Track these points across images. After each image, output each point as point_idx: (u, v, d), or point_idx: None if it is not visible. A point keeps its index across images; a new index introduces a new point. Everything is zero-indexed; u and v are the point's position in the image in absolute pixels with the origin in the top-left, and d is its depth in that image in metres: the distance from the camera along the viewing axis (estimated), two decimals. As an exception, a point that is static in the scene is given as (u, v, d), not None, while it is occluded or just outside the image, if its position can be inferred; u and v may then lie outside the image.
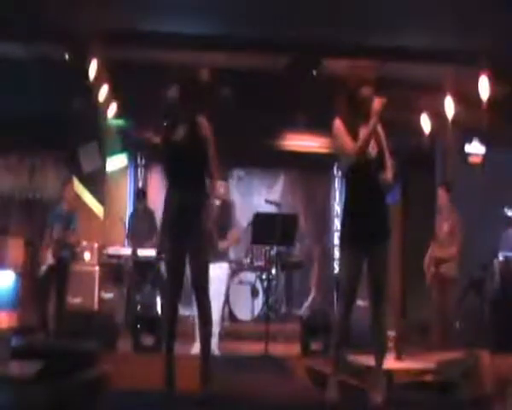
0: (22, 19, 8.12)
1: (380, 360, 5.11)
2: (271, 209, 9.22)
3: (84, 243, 9.80)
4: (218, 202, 7.85)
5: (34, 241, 9.60)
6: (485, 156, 10.37)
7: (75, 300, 9.61)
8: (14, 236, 10.13)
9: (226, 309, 10.29)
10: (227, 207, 8.25)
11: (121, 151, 11.24)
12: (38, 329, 8.53)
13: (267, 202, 9.59)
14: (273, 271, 10.53)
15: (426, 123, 10.03)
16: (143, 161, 12.13)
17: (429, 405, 5.29)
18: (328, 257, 12.39)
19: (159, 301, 9.47)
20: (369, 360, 5.28)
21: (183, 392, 5.21)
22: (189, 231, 5.26)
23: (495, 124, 9.33)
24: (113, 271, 10.12)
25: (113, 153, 11.14)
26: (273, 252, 9.99)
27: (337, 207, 12.52)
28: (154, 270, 9.65)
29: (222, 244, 7.74)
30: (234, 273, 10.57)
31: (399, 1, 7.68)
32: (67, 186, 9.24)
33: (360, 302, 6.55)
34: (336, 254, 11.98)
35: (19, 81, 9.25)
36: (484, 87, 8.84)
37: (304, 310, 11.28)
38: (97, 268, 10.09)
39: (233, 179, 12.38)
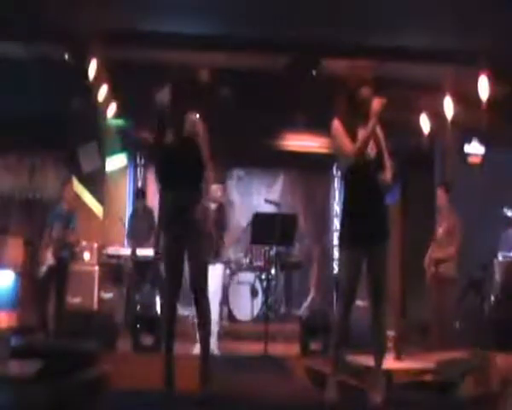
0: (22, 19, 8.12)
1: (379, 360, 5.11)
2: (271, 209, 9.23)
3: (84, 243, 9.80)
4: (214, 205, 7.89)
5: (34, 241, 9.59)
6: (484, 156, 10.37)
7: (75, 300, 9.61)
8: (14, 235, 10.12)
9: (225, 309, 10.30)
10: (223, 209, 8.30)
11: (121, 151, 11.24)
12: (38, 329, 8.52)
13: (267, 201, 9.60)
14: (272, 271, 10.55)
15: (425, 123, 10.03)
16: (143, 161, 12.13)
17: (429, 405, 5.29)
18: (328, 257, 12.39)
19: (158, 301, 9.46)
20: (369, 360, 5.28)
21: (182, 392, 5.22)
22: (186, 232, 5.27)
23: (494, 124, 9.34)
24: (113, 271, 10.12)
25: (112, 153, 11.15)
26: (272, 252, 10.00)
27: (336, 208, 12.52)
28: (154, 270, 9.65)
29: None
30: (233, 273, 10.58)
31: (399, 1, 7.68)
32: (67, 186, 9.24)
33: (360, 302, 6.56)
34: (336, 254, 11.98)
35: (18, 81, 9.25)
36: (483, 87, 8.84)
37: (303, 310, 11.28)
38: (97, 268, 10.09)
39: (233, 179, 12.39)
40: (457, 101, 9.45)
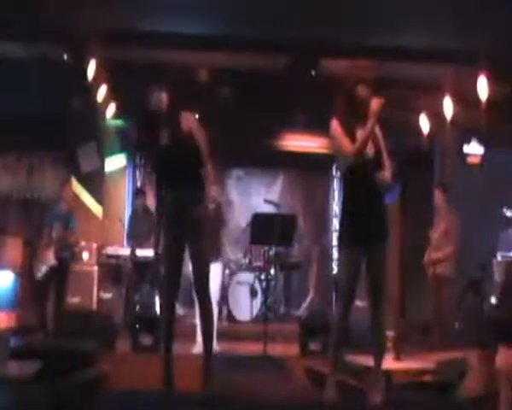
0: (21, 19, 8.12)
1: (379, 360, 5.11)
2: (270, 209, 9.23)
3: (83, 243, 9.79)
4: (212, 205, 7.89)
5: (33, 241, 9.58)
6: (483, 157, 10.36)
7: (74, 300, 9.60)
8: (13, 235, 10.11)
9: (225, 309, 10.31)
10: (221, 209, 8.34)
11: (120, 151, 11.23)
12: (37, 329, 8.52)
13: (266, 202, 9.60)
14: (272, 271, 10.54)
15: (424, 123, 10.03)
16: (142, 161, 12.12)
17: (428, 405, 5.30)
18: (327, 257, 12.39)
19: (157, 301, 9.46)
20: (368, 361, 5.29)
21: (181, 392, 5.21)
22: (186, 232, 5.27)
23: (494, 124, 9.33)
24: (112, 271, 10.11)
25: (111, 153, 11.14)
26: (272, 252, 9.99)
27: (336, 208, 12.51)
28: (153, 270, 9.64)
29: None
30: (232, 274, 10.58)
31: (399, 1, 7.67)
32: (66, 186, 9.24)
33: (359, 303, 6.56)
34: (335, 254, 11.98)
35: (17, 81, 9.24)
36: (483, 87, 8.84)
37: (302, 310, 11.28)
38: (96, 268, 10.08)
39: (232, 179, 12.39)
40: (457, 101, 9.45)
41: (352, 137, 4.99)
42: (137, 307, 9.13)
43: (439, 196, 8.78)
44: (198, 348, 7.63)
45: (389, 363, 6.11)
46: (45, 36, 8.59)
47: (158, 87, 5.43)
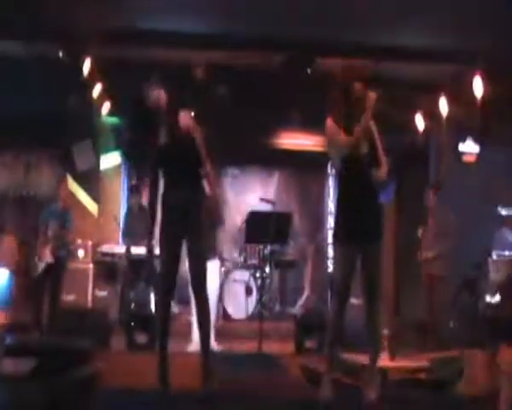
0: (19, 17, 8.11)
1: (374, 357, 5.12)
2: (265, 207, 9.23)
3: (79, 241, 9.79)
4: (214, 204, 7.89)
5: (28, 239, 9.57)
6: (479, 155, 10.38)
7: (69, 297, 9.59)
8: (9, 233, 10.10)
9: (220, 307, 10.30)
10: (217, 207, 8.32)
11: (115, 149, 11.22)
12: (32, 327, 8.51)
13: (262, 200, 9.60)
14: (267, 269, 10.53)
15: (420, 121, 10.05)
16: (132, 161, 12.08)
17: (423, 403, 5.31)
18: (322, 255, 12.38)
19: (153, 299, 9.45)
20: (364, 358, 5.29)
21: (176, 390, 5.21)
22: (186, 232, 5.27)
23: (489, 123, 9.36)
24: (107, 269, 10.10)
25: (107, 151, 11.12)
26: (267, 250, 9.99)
27: (331, 206, 12.51)
28: (148, 268, 9.63)
29: None
30: (228, 272, 10.57)
31: (398, 0, 7.69)
32: (62, 184, 9.24)
33: (354, 300, 6.56)
34: (330, 252, 11.98)
35: (14, 79, 9.23)
36: (478, 86, 8.86)
37: (298, 308, 11.27)
38: (91, 266, 10.08)
39: (227, 177, 12.38)
40: (452, 99, 9.47)
41: (349, 135, 4.99)
42: (132, 305, 9.13)
43: (430, 196, 8.84)
44: (193, 346, 7.64)
45: (384, 361, 6.13)
46: (42, 34, 8.58)
47: (156, 84, 5.41)
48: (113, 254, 10.01)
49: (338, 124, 5.01)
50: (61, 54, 8.82)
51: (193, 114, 5.43)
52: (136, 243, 9.64)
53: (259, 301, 9.33)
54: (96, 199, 11.02)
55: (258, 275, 10.46)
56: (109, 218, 10.70)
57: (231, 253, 11.19)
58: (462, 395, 5.45)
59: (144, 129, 5.48)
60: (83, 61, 8.87)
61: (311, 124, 9.71)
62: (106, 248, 10.10)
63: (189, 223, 5.27)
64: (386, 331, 6.84)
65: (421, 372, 5.84)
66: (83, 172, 10.92)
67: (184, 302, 9.38)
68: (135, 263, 9.70)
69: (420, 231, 8.76)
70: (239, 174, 12.53)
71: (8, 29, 8.41)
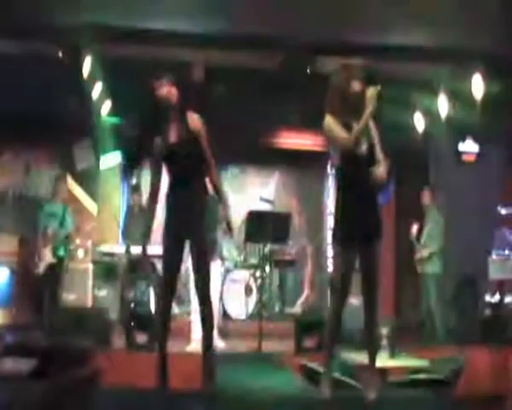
0: (17, 16, 8.11)
1: (373, 357, 5.12)
2: (265, 207, 9.23)
3: (78, 241, 9.79)
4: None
5: (29, 238, 9.58)
6: (478, 155, 10.38)
7: (69, 297, 9.60)
8: (9, 233, 10.11)
9: (220, 307, 10.31)
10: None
11: (115, 149, 11.21)
12: (32, 326, 8.52)
13: (262, 200, 9.60)
14: (267, 269, 10.53)
15: (419, 121, 10.06)
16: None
17: (422, 402, 5.31)
18: (322, 255, 12.39)
19: (152, 298, 9.45)
20: (363, 358, 5.29)
21: (175, 390, 5.22)
22: (189, 231, 5.26)
23: (489, 122, 9.36)
24: (107, 268, 10.10)
25: (106, 150, 11.12)
26: (267, 250, 9.99)
27: (331, 205, 12.51)
28: (148, 268, 9.63)
29: None
30: (227, 271, 10.57)
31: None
32: (61, 183, 9.25)
33: (353, 300, 6.57)
34: (329, 251, 11.98)
35: (13, 79, 9.22)
36: (478, 86, 8.87)
37: (297, 308, 11.29)
38: (91, 266, 10.08)
39: (227, 177, 12.37)
40: (452, 99, 9.48)
41: (347, 132, 4.99)
42: (132, 305, 9.13)
43: (426, 196, 8.94)
44: (193, 346, 7.64)
45: (383, 360, 6.13)
46: (40, 33, 8.58)
47: (167, 80, 5.37)
48: (112, 254, 10.00)
49: (337, 121, 5.00)
50: (60, 53, 8.83)
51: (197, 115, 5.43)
52: (136, 243, 9.64)
53: (259, 300, 9.33)
54: (95, 199, 11.02)
55: (257, 275, 10.46)
56: (109, 218, 10.70)
57: (231, 252, 11.19)
58: (462, 394, 5.45)
59: (152, 125, 5.42)
60: (82, 61, 8.88)
61: (311, 123, 9.71)
62: (106, 247, 10.10)
63: (193, 223, 5.26)
64: (385, 331, 6.84)
65: (420, 372, 5.84)
66: (82, 172, 10.93)
67: (183, 302, 9.42)
68: (135, 263, 9.70)
69: (413, 230, 8.84)
70: (238, 174, 12.53)
71: (4, 27, 8.41)
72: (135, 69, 9.05)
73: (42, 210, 9.12)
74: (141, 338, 7.65)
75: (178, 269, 5.40)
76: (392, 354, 6.68)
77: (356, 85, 5.01)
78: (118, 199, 11.71)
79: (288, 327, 8.53)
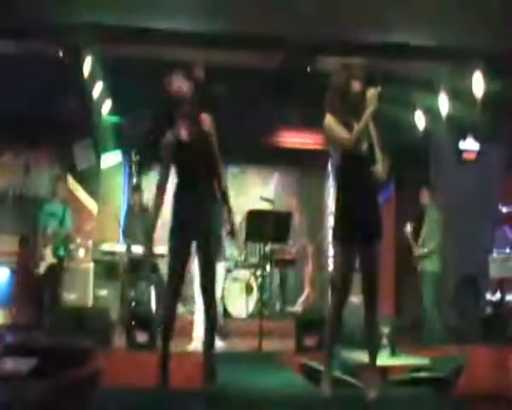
0: (17, 16, 8.11)
1: (373, 356, 5.12)
2: (265, 206, 9.22)
3: (79, 240, 9.79)
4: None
5: (29, 238, 9.59)
6: (479, 153, 10.38)
7: (69, 297, 9.60)
8: (9, 233, 10.11)
9: (220, 306, 10.31)
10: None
11: (115, 148, 11.22)
12: (33, 326, 8.53)
13: (262, 199, 9.59)
14: (267, 268, 10.53)
15: (420, 120, 10.06)
16: (137, 158, 12.08)
17: (423, 401, 5.30)
18: (322, 254, 12.39)
19: (153, 298, 9.45)
20: (363, 356, 5.29)
21: (176, 389, 5.22)
22: (196, 232, 5.25)
23: (489, 120, 9.36)
24: (108, 268, 10.10)
25: (107, 150, 11.12)
26: (267, 249, 9.98)
27: (331, 204, 12.51)
28: (149, 267, 9.63)
29: None
30: (228, 270, 10.57)
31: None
32: (60, 183, 9.26)
33: (353, 298, 6.56)
34: (330, 250, 11.98)
35: (13, 78, 9.23)
36: (478, 84, 8.87)
37: (298, 307, 11.29)
38: (92, 265, 10.08)
39: (227, 176, 12.36)
40: (452, 97, 9.48)
41: (348, 132, 4.99)
42: (133, 304, 9.12)
43: (425, 196, 8.96)
44: (194, 344, 7.64)
45: (384, 359, 6.13)
46: (40, 33, 8.58)
47: (181, 75, 5.34)
48: (113, 254, 10.01)
49: (337, 121, 5.00)
50: (61, 53, 8.83)
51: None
52: (137, 242, 9.65)
53: (259, 299, 9.32)
54: (96, 198, 11.02)
55: (258, 274, 10.46)
56: (110, 217, 10.71)
57: (231, 251, 11.19)
58: (463, 393, 5.45)
59: (164, 121, 5.36)
60: (83, 60, 8.88)
61: (311, 123, 9.71)
62: (106, 247, 10.10)
63: (200, 224, 5.24)
64: (386, 329, 6.84)
65: (421, 371, 5.84)
66: (83, 172, 10.92)
67: (188, 301, 9.41)
68: (135, 262, 9.70)
69: (407, 229, 8.87)
70: (239, 173, 12.53)
71: (4, 27, 8.41)
72: (135, 68, 9.07)
73: (42, 210, 9.12)
74: (141, 338, 7.65)
75: (184, 269, 5.39)
76: (393, 353, 6.68)
77: (356, 85, 5.00)
78: (118, 198, 11.72)
79: (288, 326, 8.52)
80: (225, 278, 10.22)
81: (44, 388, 4.27)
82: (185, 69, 5.39)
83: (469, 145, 10.38)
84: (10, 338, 6.67)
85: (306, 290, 11.58)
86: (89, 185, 10.96)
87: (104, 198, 11.21)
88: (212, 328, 5.41)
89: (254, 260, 10.96)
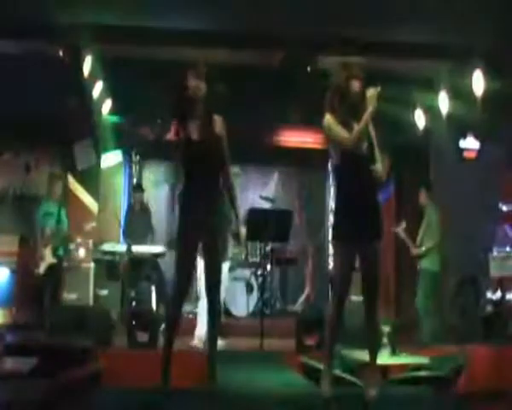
0: (17, 15, 8.11)
1: (374, 355, 5.12)
2: (266, 205, 9.22)
3: (79, 240, 9.79)
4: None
5: (29, 238, 9.59)
6: (479, 151, 10.38)
7: (70, 296, 9.60)
8: (9, 233, 10.11)
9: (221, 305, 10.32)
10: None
11: (116, 148, 11.22)
12: (33, 326, 8.53)
13: (262, 198, 9.59)
14: (268, 267, 10.53)
15: (420, 118, 10.05)
16: (138, 158, 12.09)
17: (423, 400, 5.31)
18: (323, 253, 12.39)
19: (154, 297, 9.45)
20: (364, 355, 5.30)
21: (177, 388, 5.22)
22: (204, 233, 5.24)
23: (490, 119, 9.35)
24: (108, 267, 10.09)
25: (107, 149, 11.12)
26: (268, 248, 9.99)
27: (332, 204, 12.50)
28: (150, 266, 9.63)
29: None
30: (229, 269, 10.57)
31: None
32: (56, 182, 9.27)
33: (354, 297, 6.57)
34: (331, 249, 11.97)
35: (13, 78, 9.23)
36: (479, 82, 8.87)
37: (298, 306, 11.29)
38: (92, 264, 10.07)
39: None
40: (452, 96, 9.47)
41: (347, 132, 4.99)
42: (133, 304, 9.13)
43: (422, 196, 8.98)
44: (196, 341, 7.65)
45: (384, 358, 6.14)
46: (41, 33, 8.58)
47: (198, 74, 5.31)
48: (114, 253, 10.00)
49: (336, 120, 5.00)
50: (61, 53, 8.83)
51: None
52: (137, 242, 9.65)
53: (260, 298, 9.33)
54: (96, 198, 11.02)
55: (258, 273, 10.47)
56: (110, 216, 10.71)
57: (232, 251, 11.19)
58: (463, 392, 5.45)
59: (178, 117, 5.27)
60: (83, 60, 8.88)
61: (312, 122, 9.70)
62: (107, 246, 10.09)
63: (209, 225, 5.23)
64: (386, 328, 6.85)
65: (421, 370, 5.85)
66: (83, 171, 10.92)
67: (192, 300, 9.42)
68: (136, 261, 9.70)
69: (400, 228, 8.89)
70: (239, 172, 12.51)
71: (4, 26, 8.42)
72: (135, 68, 9.07)
73: (38, 210, 9.14)
74: (142, 337, 7.65)
75: (191, 270, 5.39)
76: (393, 352, 6.68)
77: (356, 84, 5.00)
78: (119, 198, 11.72)
79: (289, 325, 8.54)
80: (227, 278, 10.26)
81: (45, 387, 4.27)
82: (200, 69, 5.36)
83: (469, 144, 10.38)
84: (10, 338, 6.67)
85: (307, 290, 11.58)
86: (89, 185, 10.96)
87: (104, 198, 11.21)
88: (215, 327, 5.42)
89: (255, 258, 10.97)
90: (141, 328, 7.70)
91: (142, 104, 9.88)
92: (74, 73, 9.01)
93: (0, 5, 7.87)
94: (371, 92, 4.95)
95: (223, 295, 7.92)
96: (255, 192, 11.92)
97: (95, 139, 10.82)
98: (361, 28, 8.42)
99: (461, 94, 9.24)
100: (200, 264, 5.88)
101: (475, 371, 5.65)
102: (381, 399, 4.93)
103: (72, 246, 9.35)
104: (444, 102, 9.55)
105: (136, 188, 10.60)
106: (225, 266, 7.99)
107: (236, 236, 5.63)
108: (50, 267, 8.77)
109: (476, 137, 10.33)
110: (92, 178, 11.03)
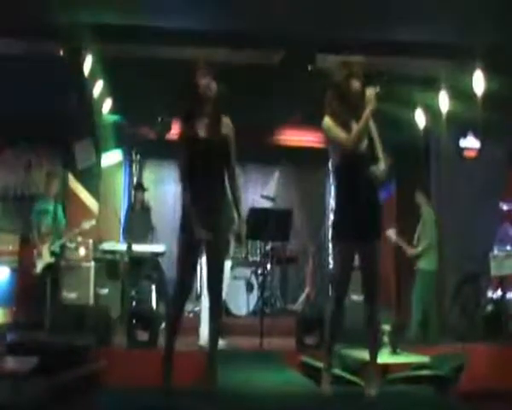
0: (18, 15, 8.11)
1: (374, 353, 5.13)
2: (267, 204, 9.23)
3: (79, 239, 9.79)
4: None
5: (29, 238, 9.60)
6: (480, 150, 10.37)
7: (70, 295, 9.60)
8: (10, 232, 10.11)
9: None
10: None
11: (116, 147, 11.22)
12: (33, 325, 8.53)
13: (263, 197, 9.59)
14: (268, 266, 10.54)
15: (420, 118, 10.05)
16: (138, 157, 12.11)
17: (423, 399, 5.31)
18: (323, 252, 12.40)
19: (154, 296, 9.46)
20: (364, 354, 5.30)
21: (178, 387, 5.22)
22: (206, 231, 5.22)
23: (490, 118, 9.35)
24: (109, 266, 10.10)
25: (107, 149, 11.12)
26: (268, 247, 9.99)
27: (332, 203, 12.51)
28: (150, 266, 9.64)
29: None
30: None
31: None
32: (52, 180, 9.29)
33: (354, 297, 6.58)
34: (331, 248, 11.98)
35: (13, 77, 9.23)
36: (479, 81, 8.87)
37: (298, 305, 11.29)
38: (92, 264, 10.08)
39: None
40: (452, 95, 9.47)
41: (346, 132, 4.99)
42: (134, 303, 9.13)
43: (419, 197, 9.00)
44: (201, 340, 7.66)
45: (385, 357, 6.14)
46: (42, 33, 8.58)
47: (208, 73, 5.29)
48: (114, 252, 10.01)
49: (335, 121, 5.01)
50: (61, 52, 8.83)
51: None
52: (137, 241, 9.66)
53: (260, 297, 9.34)
54: (96, 197, 11.03)
55: (259, 272, 10.47)
56: (110, 216, 10.71)
57: (232, 249, 11.19)
58: (464, 391, 5.45)
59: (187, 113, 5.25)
60: (83, 59, 8.88)
61: (312, 121, 9.69)
62: (107, 245, 10.10)
63: (210, 223, 5.22)
64: (387, 327, 6.85)
65: (421, 368, 5.85)
66: (83, 170, 10.92)
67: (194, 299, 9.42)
68: (136, 261, 9.71)
69: (391, 231, 8.89)
70: (239, 171, 12.51)
71: (5, 26, 8.41)
72: (135, 68, 9.07)
73: (34, 207, 9.16)
74: (142, 336, 7.65)
75: (194, 268, 5.39)
76: (394, 351, 6.69)
77: (355, 84, 5.01)
78: (119, 197, 11.73)
79: (289, 324, 8.54)
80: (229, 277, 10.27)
81: (45, 387, 4.28)
82: (210, 68, 5.35)
83: (470, 143, 10.37)
84: (11, 337, 6.67)
85: (307, 289, 11.58)
86: (89, 184, 10.97)
87: (105, 197, 11.21)
88: (217, 326, 5.42)
89: (255, 257, 10.98)
90: (141, 327, 7.69)
91: (142, 103, 9.88)
92: (74, 73, 9.01)
93: (0, 5, 7.86)
94: (370, 92, 4.96)
95: (224, 293, 7.94)
96: (256, 191, 11.94)
97: (95, 138, 10.82)
98: (361, 28, 8.41)
99: (461, 93, 9.24)
100: (203, 263, 5.87)
101: (476, 371, 5.65)
102: (381, 398, 4.94)
103: (72, 245, 9.34)
104: (444, 102, 9.55)
105: (138, 187, 10.61)
106: (227, 265, 7.99)
107: (238, 236, 5.61)
108: (48, 266, 8.77)
109: (476, 136, 10.32)
110: (92, 178, 11.03)
